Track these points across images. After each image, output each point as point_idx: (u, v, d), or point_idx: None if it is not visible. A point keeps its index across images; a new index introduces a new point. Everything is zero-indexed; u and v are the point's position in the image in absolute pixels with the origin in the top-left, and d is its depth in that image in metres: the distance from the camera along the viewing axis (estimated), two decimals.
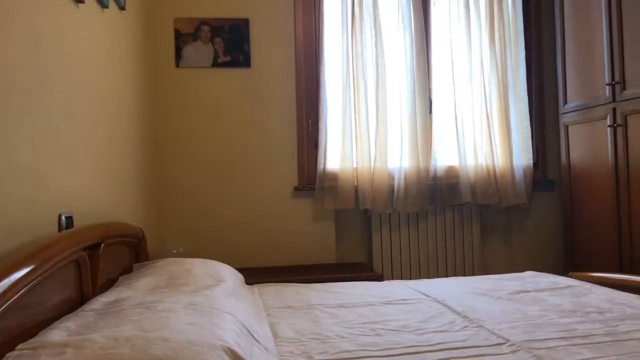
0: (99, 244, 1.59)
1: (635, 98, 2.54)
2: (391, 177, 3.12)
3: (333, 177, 3.09)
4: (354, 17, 3.10)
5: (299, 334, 1.55)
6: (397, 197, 3.09)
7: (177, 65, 3.08)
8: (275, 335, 1.55)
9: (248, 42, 3.14)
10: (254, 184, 3.09)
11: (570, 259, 3.05)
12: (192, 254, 2.79)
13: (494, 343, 1.43)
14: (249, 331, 1.33)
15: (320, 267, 3.03)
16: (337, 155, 3.11)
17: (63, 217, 1.51)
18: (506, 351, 1.37)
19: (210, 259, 2.30)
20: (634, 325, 1.54)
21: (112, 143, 2.17)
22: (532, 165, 3.22)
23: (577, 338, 1.46)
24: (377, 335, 1.54)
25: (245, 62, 3.14)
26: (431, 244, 3.20)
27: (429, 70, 3.21)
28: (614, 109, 2.68)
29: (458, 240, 3.22)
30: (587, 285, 2.04)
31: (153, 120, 2.99)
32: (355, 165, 3.10)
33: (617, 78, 2.64)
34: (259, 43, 3.13)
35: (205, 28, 3.13)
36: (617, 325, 1.54)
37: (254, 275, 2.76)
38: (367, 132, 3.09)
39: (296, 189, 3.12)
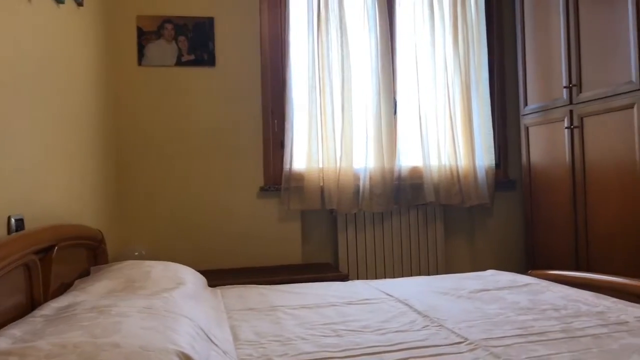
0: (53, 246, 1.54)
1: (591, 100, 2.62)
2: (357, 178, 3.13)
3: (299, 178, 3.09)
4: (319, 17, 3.10)
5: (259, 336, 1.53)
6: (363, 197, 3.11)
7: (140, 64, 3.02)
8: (236, 338, 1.53)
9: (213, 41, 3.10)
10: (219, 185, 3.06)
11: (531, 258, 3.12)
12: (155, 256, 2.74)
13: (453, 342, 1.44)
14: (206, 334, 1.31)
15: (286, 268, 3.02)
16: (303, 155, 3.10)
17: (13, 220, 1.46)
18: (464, 350, 1.39)
19: (174, 261, 2.27)
20: (587, 322, 1.58)
21: (69, 142, 2.11)
22: (494, 165, 3.28)
23: (533, 335, 1.48)
24: (338, 336, 1.53)
25: (210, 61, 3.10)
26: (396, 244, 3.22)
27: (394, 71, 3.24)
28: (571, 111, 2.75)
29: (422, 240, 3.25)
30: (545, 283, 2.09)
31: (115, 119, 2.92)
32: (321, 166, 3.10)
33: (574, 81, 2.72)
34: (224, 42, 3.10)
35: (169, 26, 3.08)
36: (571, 322, 1.58)
37: (218, 277, 2.73)
38: (333, 133, 3.09)
39: (262, 189, 3.10)
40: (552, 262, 2.88)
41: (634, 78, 2.36)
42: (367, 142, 3.14)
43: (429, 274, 3.15)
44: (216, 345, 1.32)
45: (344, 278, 2.75)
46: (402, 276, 3.15)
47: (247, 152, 3.10)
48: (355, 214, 3.17)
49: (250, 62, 3.12)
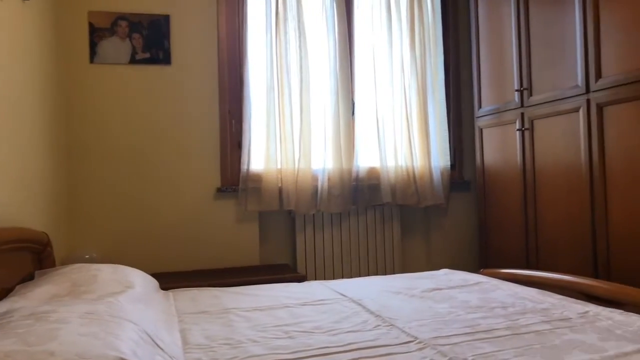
0: None
1: (540, 104, 2.70)
2: (315, 178, 3.13)
3: (257, 178, 3.06)
4: (277, 17, 3.09)
5: (209, 340, 1.51)
6: (321, 198, 3.11)
7: (92, 61, 2.94)
8: (185, 342, 1.50)
9: (168, 39, 3.05)
10: (174, 186, 3.00)
11: (484, 257, 3.19)
12: (107, 259, 2.67)
13: (403, 341, 1.46)
14: (152, 339, 1.28)
15: (243, 269, 2.99)
16: (261, 156, 3.08)
17: None
18: (413, 349, 1.40)
19: (128, 264, 2.21)
20: (532, 319, 1.62)
21: (12, 142, 2.02)
22: (449, 166, 3.34)
23: (480, 333, 1.51)
24: (290, 337, 1.53)
25: (165, 60, 3.04)
26: (354, 244, 3.24)
27: (352, 72, 3.26)
28: (522, 114, 2.83)
29: (379, 240, 3.28)
30: (495, 281, 2.14)
31: (65, 118, 2.83)
32: (279, 166, 3.08)
33: (525, 84, 2.80)
34: (180, 40, 3.05)
35: (123, 23, 3.00)
36: (517, 319, 1.62)
37: (173, 279, 2.69)
38: (292, 133, 3.08)
39: (219, 190, 3.06)
40: (504, 261, 2.96)
41: (579, 82, 2.44)
42: (325, 143, 3.15)
43: (385, 274, 3.18)
44: (162, 349, 1.29)
45: (302, 279, 2.75)
46: (360, 276, 3.18)
47: (204, 153, 3.06)
48: (313, 214, 3.18)
49: (207, 61, 3.08)
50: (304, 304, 1.90)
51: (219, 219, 3.06)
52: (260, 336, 1.54)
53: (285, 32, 3.10)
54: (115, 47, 2.98)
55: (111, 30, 2.98)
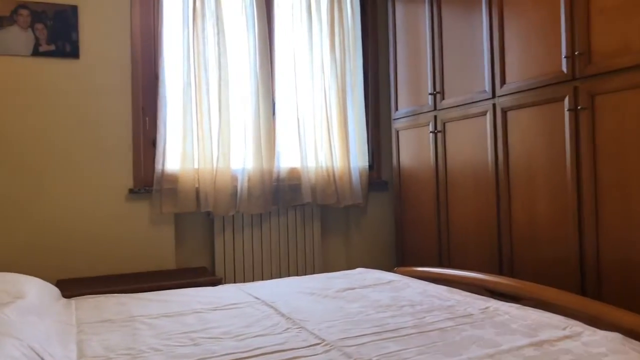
0: None
1: (451, 107, 2.81)
2: (234, 179, 3.07)
3: (173, 179, 2.96)
4: (195, 12, 3.00)
5: (108, 350, 1.43)
6: (241, 198, 3.06)
7: None
8: (81, 354, 1.40)
9: (76, 30, 2.87)
10: (81, 187, 2.83)
11: (401, 255, 3.27)
12: (8, 267, 2.47)
13: (310, 344, 1.45)
14: (38, 354, 1.19)
15: (157, 274, 2.87)
16: (177, 155, 2.98)
17: None
18: (319, 351, 1.40)
19: (32, 272, 2.06)
20: (439, 316, 1.67)
21: None
22: (367, 167, 3.40)
23: (387, 332, 1.53)
24: (195, 344, 1.47)
25: (73, 53, 2.87)
26: (274, 245, 3.22)
27: (273, 72, 3.23)
28: (435, 117, 2.93)
29: (300, 240, 3.28)
30: (406, 279, 2.19)
31: None
32: (196, 166, 2.99)
33: (437, 88, 2.90)
34: (90, 33, 2.88)
35: (24, 12, 2.79)
36: (424, 317, 1.66)
37: (81, 286, 2.55)
38: (210, 132, 3.00)
39: (131, 191, 2.92)
40: (419, 259, 3.05)
41: (487, 88, 2.56)
42: (245, 142, 3.10)
43: (306, 274, 3.18)
44: None
45: (219, 282, 2.68)
46: (281, 277, 3.15)
47: (115, 152, 2.91)
48: (233, 216, 3.11)
49: (119, 56, 2.93)
50: (215, 309, 1.85)
51: (132, 222, 2.92)
52: (164, 344, 1.47)
53: (203, 29, 3.02)
54: (15, 37, 2.77)
55: (10, 19, 2.76)
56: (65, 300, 2.02)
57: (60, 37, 2.85)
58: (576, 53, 2.12)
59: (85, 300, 2.02)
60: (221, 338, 1.53)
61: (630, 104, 1.95)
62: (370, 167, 3.47)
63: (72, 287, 2.51)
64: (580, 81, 2.12)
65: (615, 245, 2.03)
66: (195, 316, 1.77)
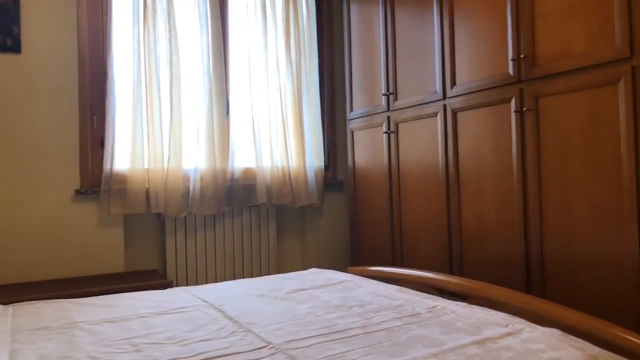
0: None
1: (404, 108, 2.83)
2: (186, 179, 3.01)
3: (122, 179, 2.87)
4: (145, 9, 2.92)
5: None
6: (193, 199, 3.00)
7: None
8: None
9: (18, 24, 2.75)
10: (24, 188, 2.71)
11: (356, 255, 3.28)
12: None
13: (255, 347, 1.42)
14: None
15: (105, 277, 2.78)
16: (126, 155, 2.89)
17: None
18: (265, 355, 1.37)
19: None
20: (387, 316, 1.67)
21: None
22: (323, 167, 3.39)
23: (335, 333, 1.52)
24: (137, 351, 1.42)
25: (15, 47, 2.74)
26: (228, 246, 3.17)
27: (227, 71, 3.18)
28: (389, 117, 2.95)
29: (255, 241, 3.24)
30: (358, 279, 2.19)
31: None
32: (146, 166, 2.91)
33: (391, 89, 2.92)
34: (33, 27, 2.76)
35: None
36: (372, 317, 1.66)
37: (23, 292, 2.44)
38: (161, 131, 2.93)
39: (78, 192, 2.81)
40: (374, 259, 3.07)
41: (438, 89, 2.60)
42: (198, 142, 3.04)
43: (261, 275, 3.15)
44: None
45: (169, 285, 2.62)
46: (235, 279, 3.10)
47: (61, 151, 2.80)
48: (185, 217, 3.05)
49: (64, 52, 2.82)
50: (160, 313, 1.80)
51: (79, 224, 2.82)
52: (103, 351, 1.42)
53: (154, 26, 2.94)
54: None
55: None
56: (1, 307, 1.92)
57: (1, 31, 2.71)
58: (522, 56, 2.17)
59: (24, 307, 1.93)
60: (164, 343, 1.48)
61: (572, 106, 2.01)
62: (326, 167, 3.47)
63: (11, 293, 2.40)
64: (526, 83, 2.17)
65: (557, 244, 2.09)
66: (139, 321, 1.71)
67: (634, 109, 1.82)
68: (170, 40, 2.96)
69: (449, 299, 1.86)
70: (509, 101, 2.25)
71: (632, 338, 1.34)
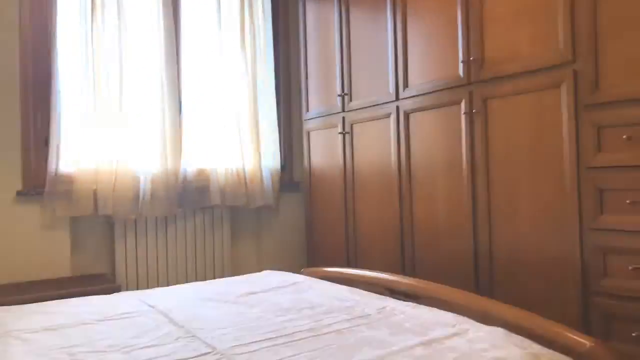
0: None
1: (358, 109, 2.84)
2: (136, 180, 2.92)
3: (67, 180, 2.76)
4: (94, 5, 2.82)
5: None
6: (143, 201, 2.91)
7: None
8: None
9: None
10: None
11: (312, 256, 3.27)
12: None
13: (200, 354, 1.38)
14: None
15: (50, 282, 2.66)
16: (72, 155, 2.78)
17: None
18: None
19: None
20: (336, 318, 1.66)
21: None
22: (279, 168, 3.36)
23: (283, 337, 1.50)
24: None
25: None
26: (180, 249, 3.09)
27: (179, 71, 3.10)
28: (344, 118, 2.95)
29: (209, 244, 3.18)
30: (311, 281, 2.17)
31: None
32: (94, 167, 2.81)
33: (346, 90, 2.92)
34: None
35: None
36: (321, 320, 1.64)
37: None
38: (109, 131, 2.83)
39: (19, 193, 2.69)
40: (329, 260, 3.06)
41: (391, 90, 2.61)
42: (149, 142, 2.96)
43: (215, 278, 3.09)
44: None
45: (117, 290, 2.53)
46: (187, 282, 3.03)
47: (1, 151, 2.66)
48: (135, 219, 2.96)
49: (5, 46, 2.69)
50: (103, 320, 1.73)
51: (21, 226, 2.69)
52: None
53: (103, 20, 2.84)
54: None
55: None
56: None
57: None
58: (471, 58, 2.20)
59: None
60: (105, 351, 1.42)
61: (518, 108, 2.06)
62: (282, 168, 3.44)
63: None
64: (475, 85, 2.21)
65: (505, 243, 2.13)
66: (81, 328, 1.64)
67: (575, 112, 1.88)
68: (120, 38, 2.87)
69: (400, 299, 1.87)
70: (459, 103, 2.28)
71: (573, 336, 1.38)
